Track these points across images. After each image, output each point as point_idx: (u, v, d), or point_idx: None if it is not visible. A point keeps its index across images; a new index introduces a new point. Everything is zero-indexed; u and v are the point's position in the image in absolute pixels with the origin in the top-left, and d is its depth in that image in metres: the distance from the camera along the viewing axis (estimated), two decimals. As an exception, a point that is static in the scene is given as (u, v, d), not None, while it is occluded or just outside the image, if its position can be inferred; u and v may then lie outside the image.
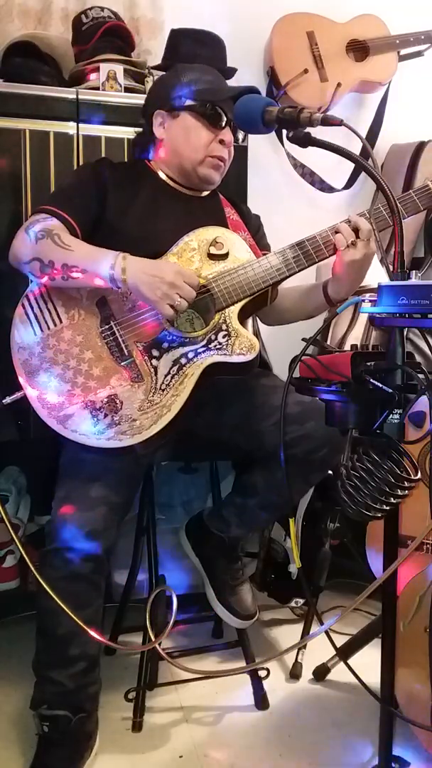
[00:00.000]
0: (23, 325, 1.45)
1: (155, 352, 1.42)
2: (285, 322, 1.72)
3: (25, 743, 1.50)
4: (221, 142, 1.56)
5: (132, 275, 1.35)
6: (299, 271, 1.47)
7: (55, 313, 1.45)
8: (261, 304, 1.53)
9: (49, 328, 1.44)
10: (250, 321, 1.58)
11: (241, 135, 1.62)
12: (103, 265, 1.36)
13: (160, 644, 1.21)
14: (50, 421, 1.39)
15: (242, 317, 1.46)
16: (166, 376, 1.41)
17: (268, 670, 1.76)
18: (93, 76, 1.98)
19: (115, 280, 1.36)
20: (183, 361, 1.41)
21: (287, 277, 1.47)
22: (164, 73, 1.70)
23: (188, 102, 1.54)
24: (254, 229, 1.70)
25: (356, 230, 1.43)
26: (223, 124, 1.55)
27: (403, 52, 2.51)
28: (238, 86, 1.57)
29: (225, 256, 1.47)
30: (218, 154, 1.56)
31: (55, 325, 1.44)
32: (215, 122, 1.54)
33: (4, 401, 1.41)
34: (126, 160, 1.85)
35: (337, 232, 1.44)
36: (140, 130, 1.66)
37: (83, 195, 1.51)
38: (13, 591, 2.00)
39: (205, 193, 1.65)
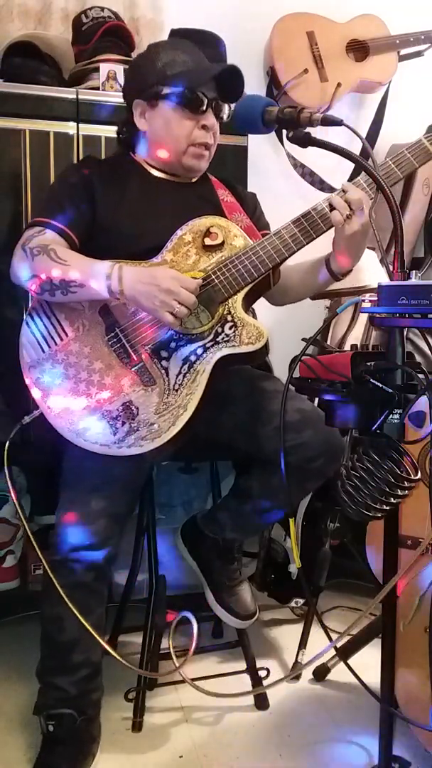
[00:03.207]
0: (30, 345, 1.42)
1: (164, 353, 1.40)
2: (291, 300, 1.68)
3: (26, 743, 1.50)
4: (203, 127, 1.50)
5: (128, 286, 1.33)
6: (298, 250, 1.43)
7: (60, 328, 1.42)
8: (264, 288, 1.49)
9: (56, 344, 1.41)
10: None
11: (226, 111, 1.56)
12: (99, 277, 1.34)
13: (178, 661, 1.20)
14: (69, 435, 1.36)
15: (246, 305, 1.43)
16: (177, 375, 1.38)
17: (268, 670, 1.76)
18: (93, 76, 1.99)
19: (113, 292, 1.34)
20: (192, 358, 1.39)
21: (286, 258, 1.44)
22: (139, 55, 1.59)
23: (165, 90, 1.46)
24: (251, 209, 1.66)
25: (349, 202, 1.38)
26: (204, 108, 1.49)
27: (403, 52, 2.51)
28: (216, 65, 1.50)
29: (221, 246, 1.44)
30: (201, 141, 1.51)
31: (62, 339, 1.41)
32: (195, 108, 1.48)
33: (22, 421, 1.38)
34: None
35: (332, 208, 1.39)
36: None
37: (73, 200, 1.48)
38: (13, 591, 1.99)
39: (195, 179, 1.61)
